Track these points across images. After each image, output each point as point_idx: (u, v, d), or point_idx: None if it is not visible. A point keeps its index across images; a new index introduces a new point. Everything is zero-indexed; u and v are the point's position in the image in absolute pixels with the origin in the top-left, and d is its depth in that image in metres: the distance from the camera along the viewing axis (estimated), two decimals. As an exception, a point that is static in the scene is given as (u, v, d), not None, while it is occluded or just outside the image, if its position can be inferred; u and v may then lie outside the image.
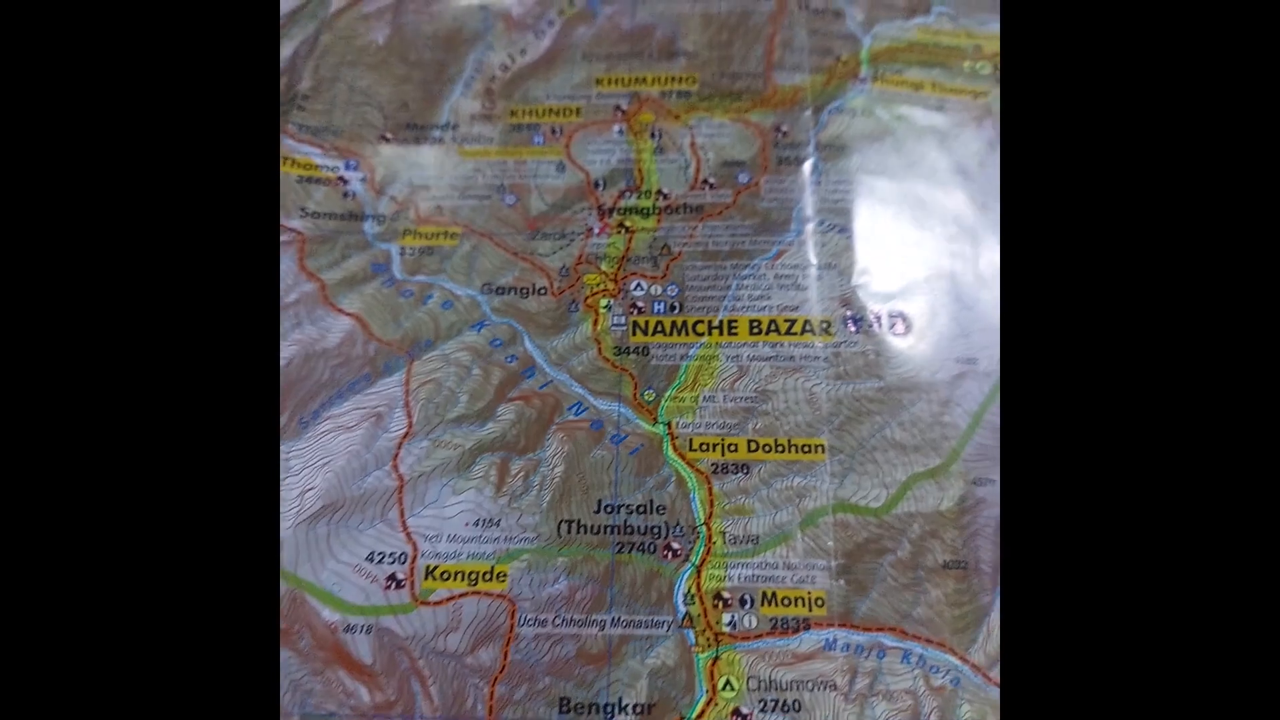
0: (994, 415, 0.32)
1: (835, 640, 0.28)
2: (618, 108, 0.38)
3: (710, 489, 0.31)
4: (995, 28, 0.40)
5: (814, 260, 0.34)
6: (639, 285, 0.34)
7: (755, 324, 0.33)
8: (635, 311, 0.34)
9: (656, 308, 0.34)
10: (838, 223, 0.35)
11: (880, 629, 0.29)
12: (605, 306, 0.34)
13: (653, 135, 0.37)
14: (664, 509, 0.31)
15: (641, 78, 0.38)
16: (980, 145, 0.37)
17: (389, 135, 0.38)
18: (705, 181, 0.36)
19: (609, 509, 0.31)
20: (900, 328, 0.33)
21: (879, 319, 0.34)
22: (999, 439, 0.31)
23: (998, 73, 0.39)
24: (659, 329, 0.34)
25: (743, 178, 0.36)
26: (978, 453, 0.32)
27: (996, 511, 0.31)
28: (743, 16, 0.39)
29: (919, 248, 0.35)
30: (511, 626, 0.29)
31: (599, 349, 0.33)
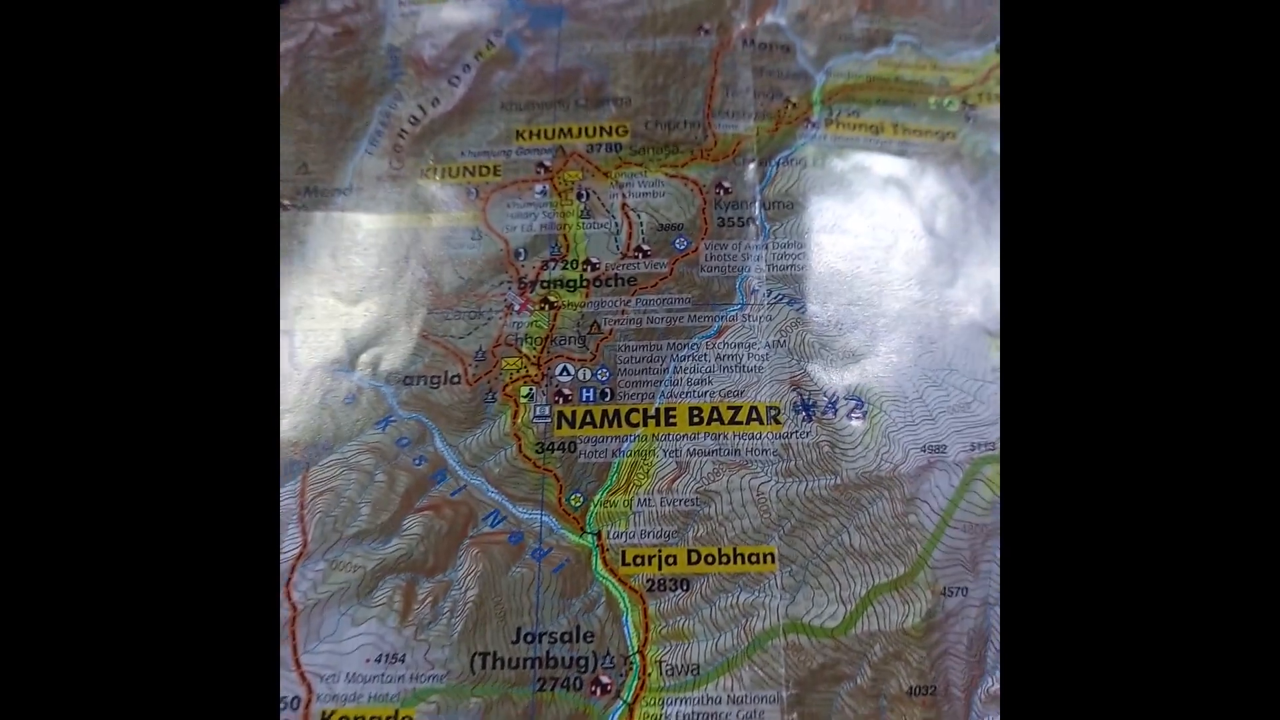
0: (965, 513, 0.29)
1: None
2: (540, 165, 0.34)
3: (645, 610, 0.28)
4: (965, 57, 0.37)
5: (761, 337, 0.31)
6: (565, 370, 0.31)
7: (696, 412, 0.30)
8: (561, 400, 0.30)
9: (585, 395, 0.31)
10: (787, 293, 0.32)
11: (836, 778, 0.26)
12: (526, 395, 0.31)
13: (579, 196, 0.33)
14: (592, 636, 0.27)
15: (567, 129, 0.34)
16: (948, 195, 0.34)
17: (287, 202, 0.34)
18: (638, 249, 0.32)
19: (529, 638, 0.27)
20: (858, 413, 0.30)
21: (833, 404, 0.30)
22: (971, 539, 0.28)
23: (967, 109, 0.36)
24: (588, 420, 0.30)
25: (680, 244, 0.32)
26: (947, 557, 0.28)
27: (969, 625, 0.27)
28: (680, 55, 0.36)
29: (880, 318, 0.31)
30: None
31: (519, 446, 0.30)
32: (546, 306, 0.32)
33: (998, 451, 0.30)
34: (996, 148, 0.35)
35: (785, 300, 0.31)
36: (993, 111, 0.36)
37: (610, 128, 0.34)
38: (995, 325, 0.32)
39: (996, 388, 0.31)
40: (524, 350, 0.31)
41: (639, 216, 0.33)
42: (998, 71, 0.37)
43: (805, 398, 0.30)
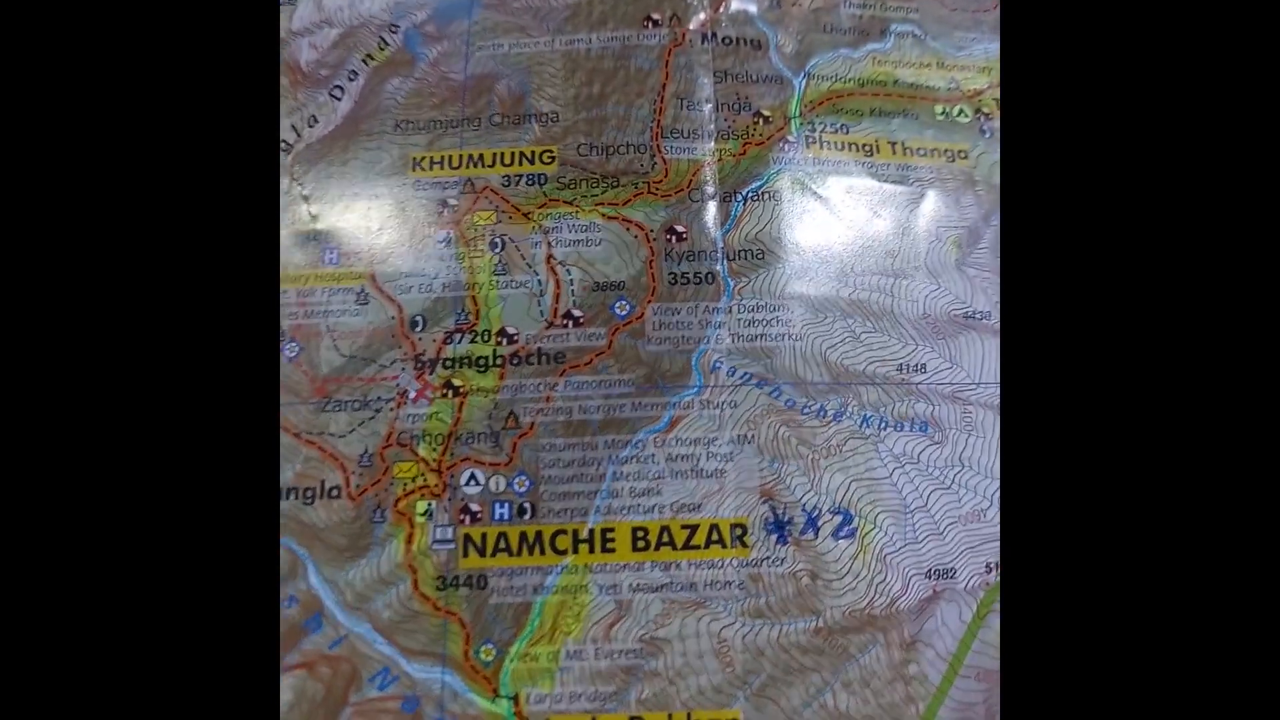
0: (980, 656, 0.23)
1: None
2: (443, 204, 0.27)
3: (575, 800, 0.22)
4: (980, 52, 0.30)
5: (724, 431, 0.25)
6: (473, 478, 0.25)
7: (641, 534, 0.24)
8: (468, 519, 0.24)
9: (499, 512, 0.24)
10: (756, 371, 0.25)
11: None
12: (424, 513, 0.25)
13: (493, 246, 0.26)
14: (507, 837, 0.22)
15: (477, 156, 0.27)
16: (960, 232, 0.28)
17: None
18: (568, 315, 0.26)
19: (427, 841, 0.22)
20: (845, 531, 0.25)
21: (814, 520, 0.24)
22: (987, 691, 0.23)
23: (981, 119, 0.29)
24: (502, 546, 0.24)
25: (621, 308, 0.26)
26: (957, 716, 0.23)
27: (985, 806, 0.22)
28: (622, 55, 0.28)
29: (874, 403, 0.25)
30: None
31: (414, 582, 0.24)
32: (450, 393, 0.25)
33: (1021, 572, 0.25)
34: (1019, 169, 0.29)
35: (754, 381, 0.25)
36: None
37: (532, 154, 0.27)
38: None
39: None
40: (421, 452, 0.25)
41: (569, 273, 0.26)
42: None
43: (779, 513, 0.24)
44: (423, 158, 0.27)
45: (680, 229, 0.26)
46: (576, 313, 0.26)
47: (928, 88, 0.29)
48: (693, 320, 0.26)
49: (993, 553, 0.25)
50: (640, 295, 0.26)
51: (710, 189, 0.27)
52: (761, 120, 0.28)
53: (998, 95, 0.30)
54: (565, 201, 0.27)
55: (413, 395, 0.25)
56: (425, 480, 0.25)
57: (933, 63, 0.30)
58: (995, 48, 0.30)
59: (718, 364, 0.25)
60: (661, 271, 0.26)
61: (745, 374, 0.25)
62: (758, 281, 0.26)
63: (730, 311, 0.26)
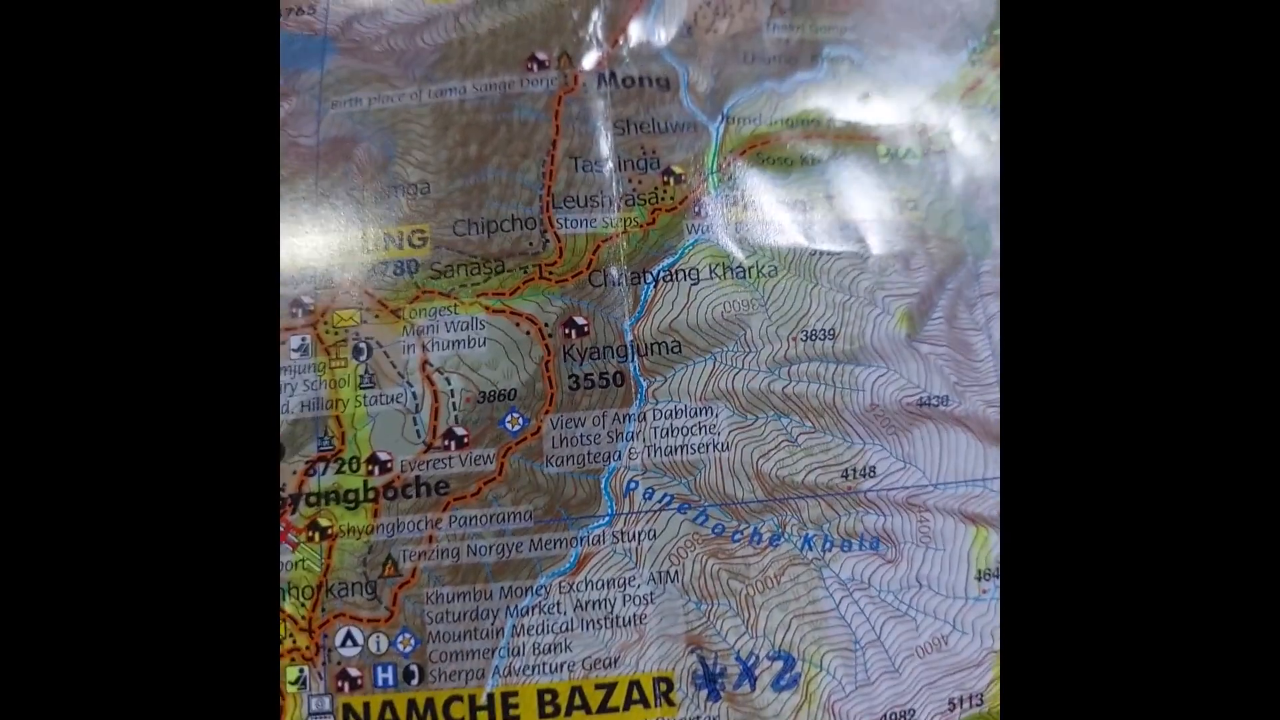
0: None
1: None
2: (296, 303, 0.23)
3: None
4: (934, 72, 0.25)
5: (642, 568, 0.21)
6: (350, 638, 0.21)
7: (549, 698, 0.21)
8: (346, 687, 0.21)
9: (382, 678, 0.21)
10: (677, 492, 0.22)
11: None
12: (296, 682, 0.21)
13: (357, 352, 0.22)
14: None
15: (336, 245, 0.23)
16: (911, 300, 0.24)
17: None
18: (449, 434, 0.22)
19: None
20: (787, 679, 0.21)
21: (750, 669, 0.21)
22: None
23: (932, 157, 0.26)
24: (389, 717, 0.21)
25: (513, 422, 0.22)
26: None
27: None
28: (503, 106, 0.24)
29: (816, 522, 0.22)
30: None
31: (282, 771, 0.21)
32: (317, 535, 0.21)
33: (989, 707, 0.22)
34: (979, 217, 0.26)
35: (675, 505, 0.22)
36: (971, 161, 0.26)
37: (400, 235, 0.23)
38: (986, 510, 0.23)
39: (987, 604, 0.23)
40: (288, 608, 0.21)
41: (448, 382, 0.22)
42: (982, 89, 0.27)
43: (710, 663, 0.21)
44: (268, 246, 0.23)
45: (580, 321, 0.23)
46: (460, 431, 0.22)
47: (868, 125, 0.26)
48: (600, 432, 0.22)
49: (955, 686, 0.22)
50: (535, 405, 0.22)
51: (615, 270, 0.23)
52: (672, 179, 0.24)
53: (950, 128, 0.26)
54: (441, 293, 0.22)
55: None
56: (295, 642, 0.21)
57: (873, 91, 0.26)
58: (949, 66, 0.27)
59: (632, 485, 0.22)
60: (560, 375, 0.22)
61: (665, 496, 0.22)
62: (675, 380, 0.22)
63: (644, 419, 0.22)
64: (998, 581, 0.23)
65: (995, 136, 0.27)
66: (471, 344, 0.22)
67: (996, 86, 0.27)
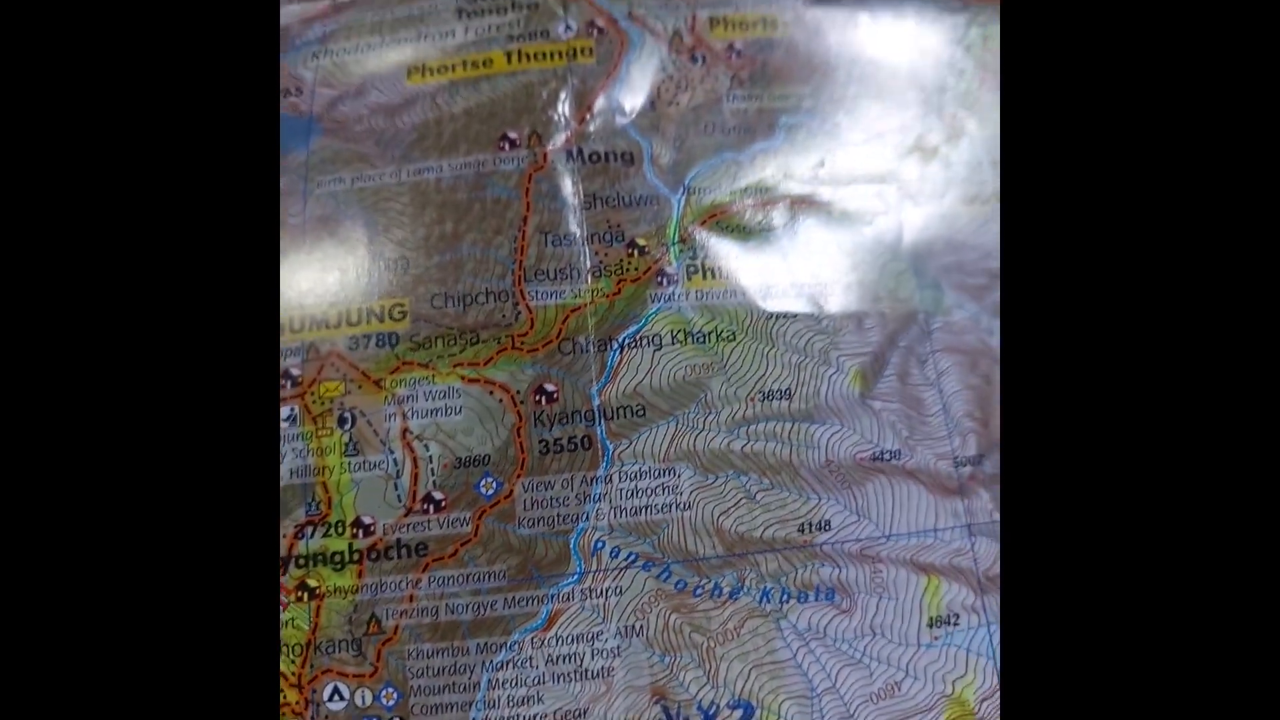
0: None
1: None
2: (285, 375, 0.24)
3: None
4: (893, 134, 0.27)
5: (609, 622, 0.23)
6: (337, 692, 0.22)
7: (521, 747, 0.23)
8: (334, 739, 0.23)
9: (366, 730, 0.23)
10: (641, 550, 0.23)
11: None
12: (285, 735, 0.23)
13: (342, 421, 0.24)
14: None
15: (321, 317, 0.24)
16: (864, 359, 0.25)
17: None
18: (428, 499, 0.23)
19: None
20: None
21: (711, 717, 0.22)
22: None
23: (885, 218, 0.27)
24: (372, 767, 0.23)
25: (488, 486, 0.23)
26: None
27: None
28: (477, 185, 0.25)
29: (774, 575, 0.23)
30: None
31: (276, 820, 0.22)
32: (306, 595, 0.23)
33: (942, 747, 0.23)
34: (931, 276, 0.27)
35: (640, 563, 0.23)
36: (922, 217, 0.27)
37: (382, 309, 0.25)
38: (937, 559, 0.24)
39: (938, 651, 0.24)
40: (280, 665, 0.23)
41: (427, 448, 0.23)
42: (935, 150, 0.28)
43: (673, 713, 0.22)
44: (258, 321, 0.25)
45: (550, 388, 0.24)
46: (437, 495, 0.23)
47: (823, 189, 0.26)
48: (568, 495, 0.23)
49: (910, 730, 0.23)
50: (508, 470, 0.23)
51: (582, 339, 0.24)
52: (636, 251, 0.25)
53: (904, 189, 0.27)
54: (420, 364, 0.24)
55: (262, 601, 0.23)
56: (285, 697, 0.23)
57: (828, 157, 0.27)
58: (906, 127, 0.28)
59: (599, 544, 0.23)
60: (531, 440, 0.24)
61: (630, 554, 0.23)
62: (640, 443, 0.24)
63: (610, 480, 0.24)
64: (948, 629, 0.24)
65: (947, 195, 0.28)
66: (449, 412, 0.24)
67: (950, 147, 0.28)
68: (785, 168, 0.27)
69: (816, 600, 0.24)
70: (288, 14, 0.29)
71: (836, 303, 0.26)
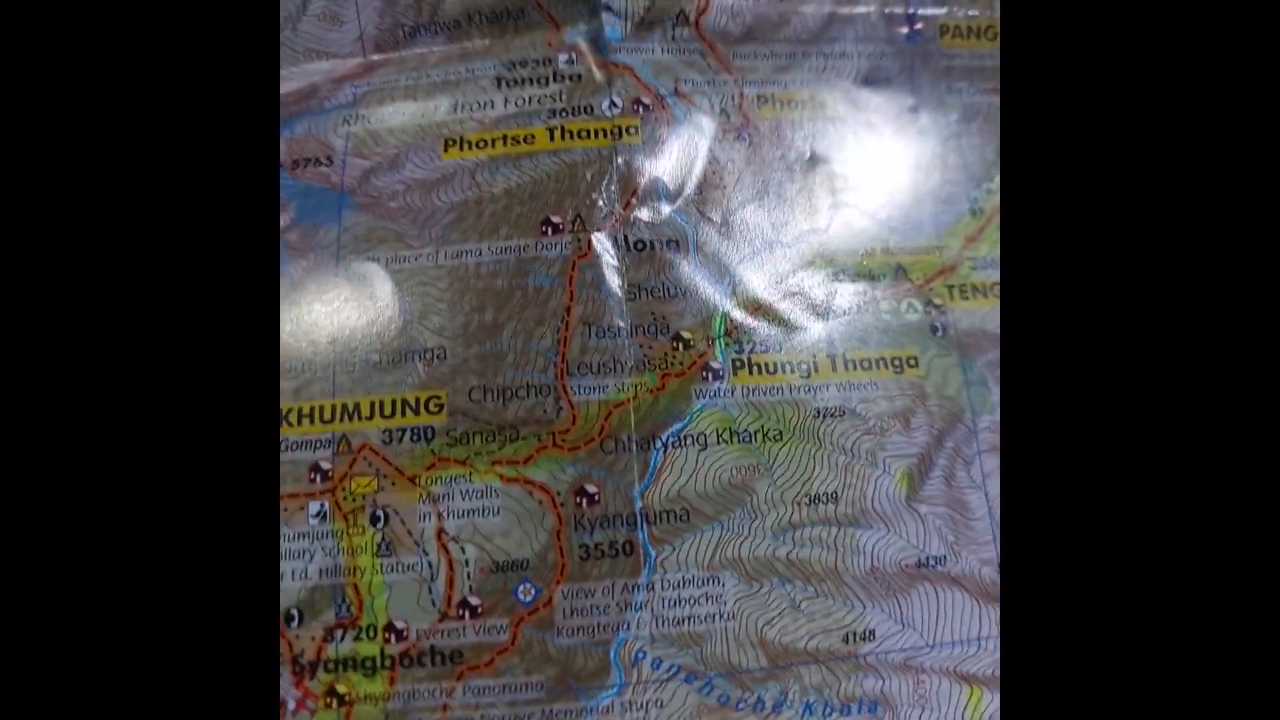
0: None
1: None
2: (315, 468, 0.23)
3: None
4: (934, 225, 0.26)
5: (650, 738, 0.23)
6: (367, 805, 0.22)
7: None
8: None
9: (397, 845, 0.22)
10: (684, 662, 0.22)
11: None
12: (312, 847, 0.22)
13: (374, 520, 0.23)
14: None
15: (353, 406, 0.24)
16: (911, 460, 0.25)
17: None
18: (464, 604, 0.23)
19: None
20: None
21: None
22: None
23: (932, 312, 0.26)
24: None
25: (526, 593, 0.23)
26: None
27: None
28: (518, 271, 0.24)
29: (817, 687, 0.22)
30: None
31: None
32: (335, 702, 0.22)
33: None
34: (978, 373, 0.26)
35: (682, 675, 0.23)
36: (972, 314, 0.27)
37: (417, 401, 0.24)
38: (981, 669, 0.23)
39: None
40: (305, 773, 0.22)
41: (463, 551, 0.23)
42: (983, 239, 0.28)
43: (714, 833, 0.22)
44: (289, 410, 0.24)
45: (592, 489, 0.23)
46: (474, 600, 0.23)
47: (871, 280, 0.26)
48: (609, 603, 0.23)
49: None
50: (547, 575, 0.23)
51: (625, 436, 0.24)
52: (681, 344, 0.25)
53: (949, 283, 0.27)
54: (457, 460, 0.23)
55: (292, 706, 0.22)
56: (311, 806, 0.22)
57: (876, 248, 0.27)
58: (946, 221, 0.28)
59: (640, 655, 0.23)
60: (571, 544, 0.23)
61: (673, 666, 0.23)
62: (683, 549, 0.23)
63: (652, 589, 0.23)
64: (991, 742, 0.24)
65: (996, 287, 0.28)
66: (486, 513, 0.23)
67: (996, 235, 0.28)
68: (834, 254, 0.27)
69: (859, 713, 0.23)
70: (318, 71, 0.28)
71: (884, 400, 0.25)
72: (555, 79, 0.27)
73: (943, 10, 0.29)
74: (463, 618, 0.23)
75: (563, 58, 0.27)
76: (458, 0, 0.27)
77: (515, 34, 0.27)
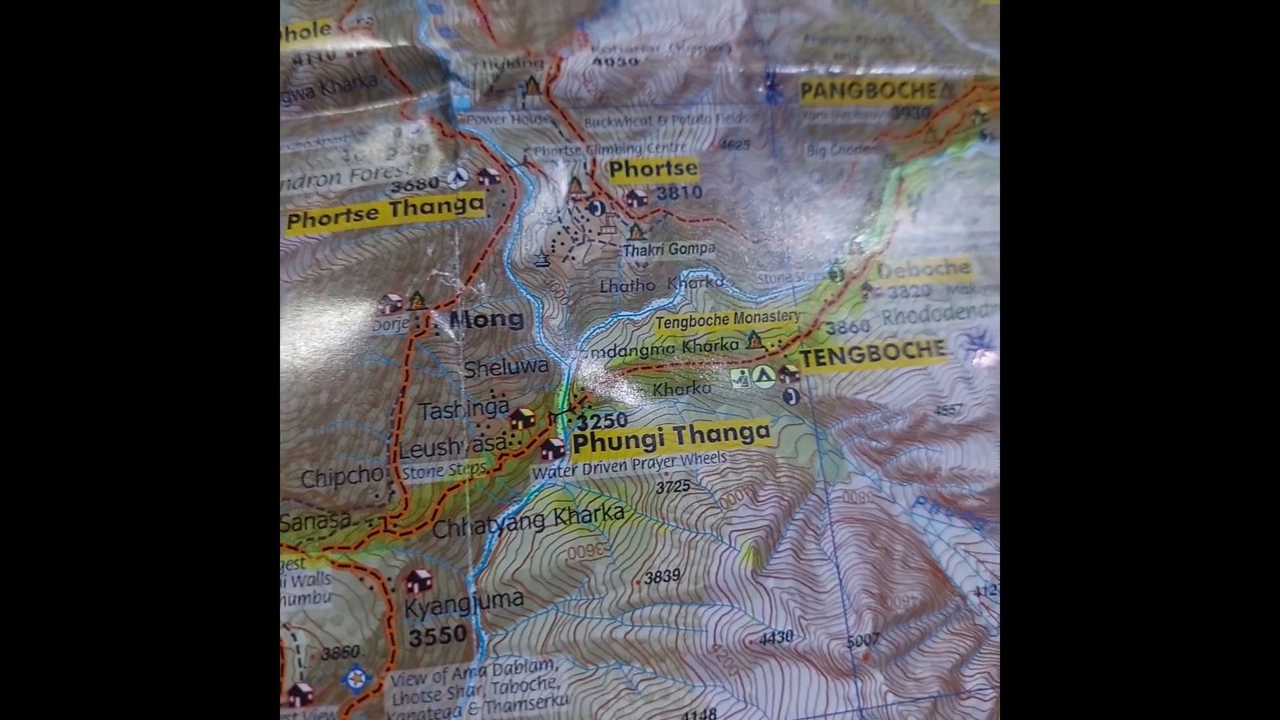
0: None
1: None
2: (147, 556, 0.24)
3: None
4: (790, 291, 0.27)
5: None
6: None
7: None
8: None
9: None
10: (515, 750, 0.23)
11: None
12: None
13: (205, 608, 0.24)
14: None
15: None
16: (759, 534, 0.25)
17: None
18: (295, 691, 0.23)
19: None
20: None
21: None
22: None
23: (786, 381, 0.27)
24: None
25: (356, 679, 0.23)
26: None
27: None
28: (353, 354, 0.24)
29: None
30: None
31: None
32: (162, 794, 0.23)
33: None
34: (832, 440, 0.26)
35: (514, 767, 0.23)
36: (827, 380, 0.27)
37: (250, 486, 0.25)
38: None
39: None
40: None
41: (294, 638, 0.23)
42: (842, 302, 0.28)
43: None
44: (120, 497, 0.24)
45: (424, 574, 0.24)
46: (304, 688, 0.23)
47: (722, 349, 0.27)
48: (440, 689, 0.23)
49: None
50: (378, 662, 0.23)
51: (460, 520, 0.24)
52: (520, 423, 0.25)
53: (805, 348, 0.27)
54: (289, 546, 0.24)
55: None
56: None
57: (730, 315, 0.27)
58: (804, 285, 0.28)
59: (473, 750, 0.23)
60: (402, 630, 0.23)
61: (507, 764, 0.23)
62: (517, 633, 0.24)
63: (485, 674, 0.23)
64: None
65: (855, 351, 0.28)
66: (317, 599, 0.23)
67: (858, 297, 0.28)
68: (685, 326, 0.27)
69: (698, 797, 0.24)
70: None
71: (731, 472, 0.26)
72: (403, 150, 0.27)
73: (804, 68, 0.30)
74: (293, 705, 0.23)
75: (411, 128, 0.27)
76: (310, 69, 0.28)
77: (368, 102, 0.28)
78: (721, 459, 0.26)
